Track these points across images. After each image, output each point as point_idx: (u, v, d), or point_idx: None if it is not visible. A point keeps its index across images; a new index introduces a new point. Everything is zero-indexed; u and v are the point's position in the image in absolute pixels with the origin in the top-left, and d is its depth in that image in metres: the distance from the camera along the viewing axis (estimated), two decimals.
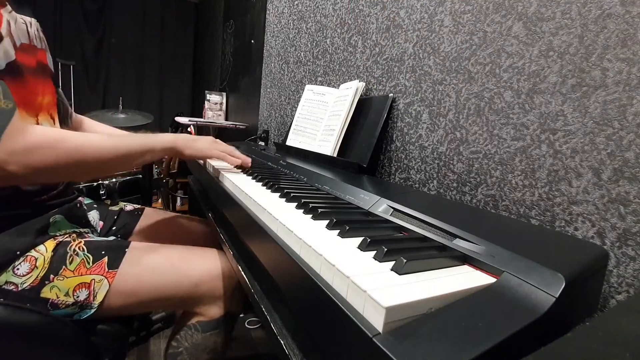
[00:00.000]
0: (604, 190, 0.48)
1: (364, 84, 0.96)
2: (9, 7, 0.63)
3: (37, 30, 0.72)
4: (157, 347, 1.34)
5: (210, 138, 0.81)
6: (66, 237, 0.67)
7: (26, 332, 0.55)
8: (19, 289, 0.57)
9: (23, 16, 0.67)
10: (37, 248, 0.61)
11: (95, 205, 0.90)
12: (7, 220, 0.60)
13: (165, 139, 0.72)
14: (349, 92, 0.94)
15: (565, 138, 0.53)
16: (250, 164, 0.83)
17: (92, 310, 0.61)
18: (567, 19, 0.54)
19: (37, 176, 0.56)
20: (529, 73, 0.59)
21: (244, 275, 0.56)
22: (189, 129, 2.44)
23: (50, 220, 0.67)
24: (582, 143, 0.51)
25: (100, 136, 0.64)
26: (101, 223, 0.88)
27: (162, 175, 2.18)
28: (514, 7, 0.62)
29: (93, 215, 0.86)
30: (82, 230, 0.74)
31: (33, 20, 0.70)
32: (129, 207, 0.97)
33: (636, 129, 0.46)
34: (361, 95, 0.94)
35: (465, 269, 0.36)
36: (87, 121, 0.99)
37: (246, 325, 1.44)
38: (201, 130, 2.72)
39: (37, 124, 0.67)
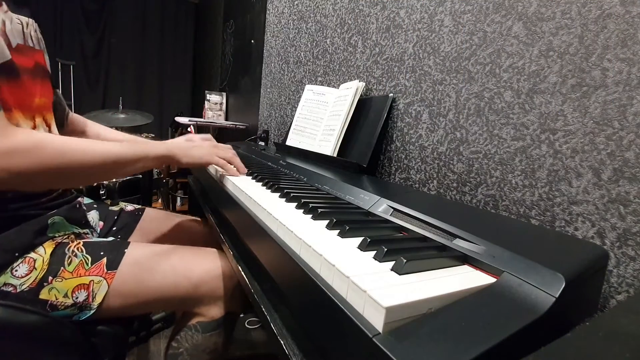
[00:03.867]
0: (604, 190, 0.48)
1: (364, 84, 0.96)
2: (4, 7, 0.61)
3: (35, 31, 0.70)
4: (157, 347, 1.34)
5: (209, 143, 0.78)
6: (65, 239, 0.66)
7: (25, 333, 0.55)
8: (18, 290, 0.57)
9: (20, 16, 0.64)
10: (36, 250, 0.61)
11: (95, 205, 0.89)
12: (5, 221, 0.60)
13: (160, 147, 0.68)
14: (349, 92, 0.94)
15: (565, 138, 0.53)
16: (244, 172, 0.81)
17: (91, 312, 0.60)
18: (567, 19, 0.54)
19: (16, 182, 0.53)
20: (529, 73, 0.59)
21: (244, 275, 0.56)
22: (189, 129, 2.44)
23: (49, 221, 0.66)
24: (582, 143, 0.51)
25: (87, 141, 0.60)
26: (101, 223, 0.88)
27: (162, 175, 2.18)
28: (514, 7, 0.62)
29: (93, 216, 0.85)
30: (81, 231, 0.74)
31: (30, 21, 0.68)
32: (130, 207, 0.96)
33: (636, 129, 0.46)
34: (361, 95, 0.94)
35: (465, 269, 0.36)
36: (90, 124, 0.97)
37: (246, 325, 1.44)
38: (201, 130, 2.72)
39: (34, 126, 0.65)
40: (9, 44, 0.60)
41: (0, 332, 0.53)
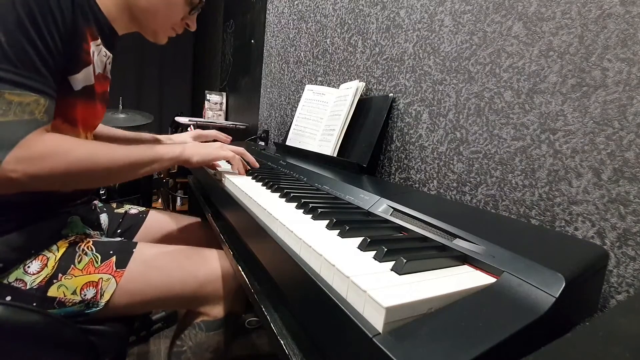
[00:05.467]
0: (604, 190, 0.48)
1: (364, 84, 0.96)
2: (98, 41, 0.69)
3: (109, 64, 0.78)
4: (157, 347, 1.34)
5: (218, 143, 0.80)
6: (77, 238, 0.68)
7: (26, 333, 0.55)
8: (27, 287, 0.58)
9: (106, 50, 0.73)
10: (50, 248, 0.63)
11: (105, 209, 0.91)
12: (28, 221, 0.62)
13: (174, 149, 0.72)
14: (349, 92, 0.94)
15: (565, 138, 0.53)
16: (256, 166, 0.85)
17: (98, 308, 0.61)
18: (567, 19, 0.54)
19: (43, 184, 0.56)
20: (529, 73, 0.59)
21: (244, 276, 0.56)
22: (189, 129, 2.44)
23: (68, 220, 0.69)
24: (582, 143, 0.51)
25: (110, 145, 0.64)
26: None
27: (162, 175, 2.19)
28: (514, 7, 0.62)
29: (104, 219, 0.88)
30: (92, 232, 0.76)
31: (111, 56, 0.77)
32: (134, 210, 0.97)
33: (636, 129, 0.46)
34: (361, 95, 0.94)
35: (465, 269, 0.36)
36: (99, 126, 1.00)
37: (246, 325, 1.44)
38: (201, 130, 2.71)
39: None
40: (94, 71, 0.68)
41: (0, 331, 0.53)
